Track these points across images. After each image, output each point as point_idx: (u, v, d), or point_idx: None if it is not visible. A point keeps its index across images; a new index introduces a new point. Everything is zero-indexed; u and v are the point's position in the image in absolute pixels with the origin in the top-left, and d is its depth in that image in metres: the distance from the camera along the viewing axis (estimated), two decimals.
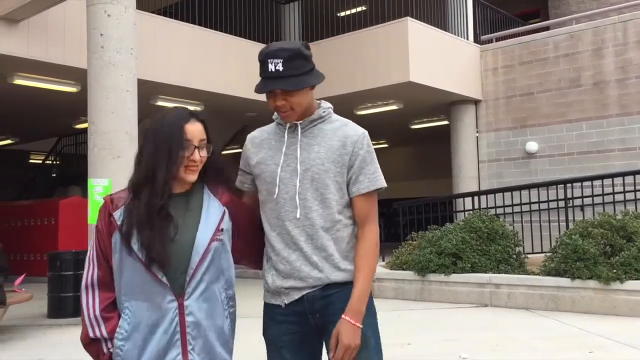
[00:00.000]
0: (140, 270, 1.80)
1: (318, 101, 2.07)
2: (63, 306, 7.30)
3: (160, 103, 10.73)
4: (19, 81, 9.08)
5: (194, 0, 10.97)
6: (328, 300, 1.96)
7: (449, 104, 11.86)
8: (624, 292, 6.35)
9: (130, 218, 1.81)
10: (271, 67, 1.90)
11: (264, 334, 2.05)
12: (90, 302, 1.84)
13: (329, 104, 2.09)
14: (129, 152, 6.32)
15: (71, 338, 5.87)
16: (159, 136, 1.85)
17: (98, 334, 1.83)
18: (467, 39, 11.89)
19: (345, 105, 11.27)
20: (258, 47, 11.21)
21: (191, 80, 10.03)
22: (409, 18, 10.20)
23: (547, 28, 12.24)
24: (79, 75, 8.47)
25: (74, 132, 15.11)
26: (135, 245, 1.79)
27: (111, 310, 1.85)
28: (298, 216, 1.95)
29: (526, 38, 11.39)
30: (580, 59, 10.61)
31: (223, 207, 1.93)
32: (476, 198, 10.07)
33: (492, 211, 9.17)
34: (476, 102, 11.82)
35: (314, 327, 1.99)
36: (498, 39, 12.02)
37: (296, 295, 1.97)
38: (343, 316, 1.89)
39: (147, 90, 9.59)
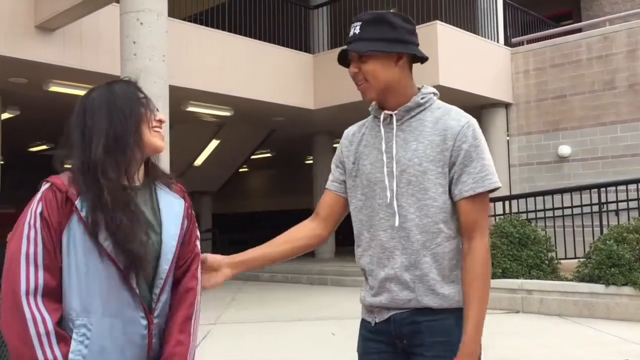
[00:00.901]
0: (108, 277, 1.39)
1: (420, 87, 1.77)
2: None
3: (190, 109, 10.87)
4: (54, 88, 9.29)
5: (224, 7, 11.10)
6: (417, 327, 1.68)
7: (479, 108, 11.74)
8: None
9: (96, 206, 1.39)
10: (350, 32, 1.70)
11: (357, 348, 1.86)
12: (37, 313, 1.33)
13: (431, 89, 1.77)
14: (162, 156, 6.39)
15: None
16: (112, 100, 1.51)
17: (51, 356, 1.33)
18: (498, 41, 11.77)
19: None
20: (286, 52, 11.30)
21: (221, 86, 10.13)
22: (437, 21, 10.14)
23: (579, 30, 12.04)
24: None
25: None
26: (105, 242, 1.38)
27: (63, 327, 1.38)
28: (396, 224, 1.67)
29: (558, 40, 11.21)
30: (614, 61, 10.40)
31: (182, 199, 1.60)
32: (507, 202, 9.93)
33: (524, 216, 9.03)
34: (507, 106, 11.68)
35: (401, 350, 1.73)
36: (529, 42, 11.87)
37: (385, 315, 1.73)
38: None
39: (178, 96, 9.72)
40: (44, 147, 16.41)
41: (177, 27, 9.31)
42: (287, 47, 11.44)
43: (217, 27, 10.52)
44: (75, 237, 1.39)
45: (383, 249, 1.71)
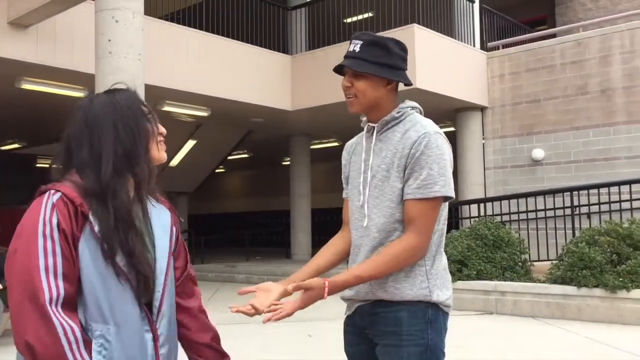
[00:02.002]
0: (122, 292, 1.42)
1: (403, 101, 1.94)
2: None
3: (167, 108, 10.78)
4: (27, 86, 9.13)
5: (201, 6, 11.03)
6: (375, 318, 1.86)
7: (455, 111, 11.85)
8: (630, 301, 6.31)
9: (109, 228, 1.41)
10: (350, 48, 1.87)
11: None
12: (64, 322, 1.34)
13: (410, 104, 1.94)
14: None
15: None
16: (118, 115, 1.49)
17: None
18: (474, 45, 11.89)
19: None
20: (264, 53, 11.27)
21: (198, 86, 10.07)
22: (415, 25, 10.21)
23: (554, 35, 12.22)
24: (86, 81, 8.51)
25: None
26: (118, 257, 1.41)
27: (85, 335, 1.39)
28: (364, 224, 1.87)
29: (533, 45, 11.37)
30: (587, 66, 10.58)
31: (168, 211, 1.62)
32: (482, 205, 10.04)
33: (498, 218, 9.14)
34: (482, 109, 11.81)
35: (370, 341, 1.89)
36: (505, 46, 12.01)
37: (353, 307, 1.92)
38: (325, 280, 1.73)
39: (155, 95, 9.63)
40: (16, 145, 16.12)
41: (153, 26, 9.22)
42: (265, 47, 11.41)
43: (195, 27, 10.45)
44: (89, 250, 1.40)
45: (354, 246, 1.92)
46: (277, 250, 16.38)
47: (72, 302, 1.38)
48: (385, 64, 1.85)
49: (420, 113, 1.95)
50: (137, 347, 1.44)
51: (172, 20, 10.34)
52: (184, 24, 10.30)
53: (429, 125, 1.85)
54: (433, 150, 1.78)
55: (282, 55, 11.67)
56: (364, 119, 1.97)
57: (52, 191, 1.41)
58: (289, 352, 5.61)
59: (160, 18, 10.16)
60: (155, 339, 1.49)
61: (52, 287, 1.34)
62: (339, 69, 1.93)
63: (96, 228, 1.40)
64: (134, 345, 1.44)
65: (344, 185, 2.06)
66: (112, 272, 1.40)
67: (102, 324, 1.40)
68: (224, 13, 11.15)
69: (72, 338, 1.33)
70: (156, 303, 1.50)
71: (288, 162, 15.77)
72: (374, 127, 1.91)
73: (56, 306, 1.34)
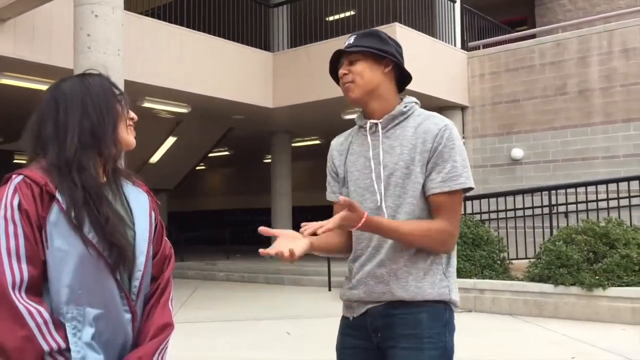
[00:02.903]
0: (96, 270, 1.37)
1: (402, 97, 1.90)
2: None
3: (147, 105, 10.68)
4: (4, 80, 8.99)
5: (182, 2, 10.94)
6: (390, 320, 1.77)
7: (436, 110, 11.69)
8: (606, 299, 6.41)
9: (77, 202, 1.36)
10: (346, 43, 1.86)
11: (335, 345, 1.93)
12: (30, 306, 1.29)
13: (413, 99, 1.90)
14: None
15: None
16: (87, 93, 1.48)
17: (55, 345, 1.31)
18: (455, 45, 11.97)
19: (332, 109, 11.28)
20: (246, 50, 11.22)
21: (178, 82, 9.99)
22: (397, 23, 10.24)
23: (533, 36, 12.35)
24: (65, 76, 8.40)
25: None
26: (90, 235, 1.36)
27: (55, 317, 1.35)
28: None
29: (513, 45, 11.48)
30: (565, 67, 10.71)
31: (145, 193, 1.61)
32: (462, 203, 10.11)
33: (478, 217, 9.22)
34: (463, 108, 11.89)
35: (375, 347, 1.81)
36: (485, 46, 12.11)
37: (362, 309, 1.82)
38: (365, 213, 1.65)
39: (134, 92, 9.53)
40: None
41: (133, 21, 9.13)
42: (247, 44, 11.36)
43: (176, 23, 10.37)
44: (58, 230, 1.35)
45: (372, 247, 1.80)
46: (257, 248, 16.24)
47: (37, 285, 1.33)
48: (379, 47, 1.82)
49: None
50: (117, 328, 1.41)
51: (152, 16, 10.24)
52: (164, 20, 10.21)
53: (444, 117, 1.85)
54: (455, 142, 1.78)
55: (263, 53, 11.63)
56: (358, 114, 1.91)
57: (14, 175, 1.39)
58: (267, 349, 5.60)
59: (141, 13, 10.06)
60: (133, 319, 1.45)
61: (14, 271, 1.29)
62: (334, 72, 1.90)
63: (63, 203, 1.35)
64: (113, 326, 1.40)
65: (331, 187, 1.95)
66: (85, 249, 1.35)
67: (74, 305, 1.35)
68: (205, 9, 11.08)
69: (40, 320, 1.29)
70: (136, 283, 1.46)
71: (269, 160, 15.73)
72: (376, 124, 1.83)
73: (19, 292, 1.29)
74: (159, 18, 10.22)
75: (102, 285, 1.39)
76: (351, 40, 1.85)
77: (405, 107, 1.84)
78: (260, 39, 11.98)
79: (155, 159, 15.33)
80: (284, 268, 11.37)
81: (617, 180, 8.93)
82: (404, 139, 1.79)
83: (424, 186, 1.76)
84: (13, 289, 1.28)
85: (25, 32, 8.11)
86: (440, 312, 1.77)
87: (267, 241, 15.61)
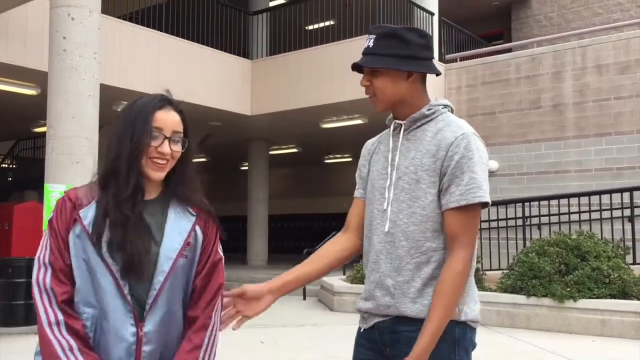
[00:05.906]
0: (105, 282, 1.50)
1: (431, 99, 1.80)
2: (14, 314, 7.09)
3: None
4: None
5: (161, 7, 10.88)
6: (396, 337, 1.68)
7: None
8: (576, 310, 6.49)
9: (100, 215, 1.51)
10: (365, 44, 1.74)
11: (353, 355, 1.87)
12: (44, 288, 1.52)
13: (442, 102, 1.78)
14: (88, 157, 6.21)
15: (24, 347, 5.68)
16: (125, 121, 1.58)
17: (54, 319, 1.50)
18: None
19: (311, 118, 11.29)
20: (224, 56, 11.19)
21: (155, 87, 9.79)
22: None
23: (509, 50, 12.53)
24: (39, 78, 8.28)
25: (33, 136, 14.75)
26: (104, 247, 1.49)
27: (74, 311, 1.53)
28: (386, 230, 1.70)
29: (489, 59, 11.63)
30: (540, 81, 10.88)
31: (194, 217, 1.63)
32: None
33: None
34: None
35: (388, 358, 1.73)
36: (462, 59, 12.25)
37: (371, 322, 1.75)
38: None
39: (110, 96, 9.44)
40: None
41: (110, 25, 9.05)
42: (226, 51, 11.34)
43: (154, 28, 10.30)
44: (78, 241, 1.51)
45: (375, 252, 1.74)
46: (233, 255, 16.23)
47: (63, 277, 1.52)
48: (401, 55, 1.69)
49: (452, 112, 1.81)
50: (115, 335, 1.50)
51: (130, 20, 10.16)
52: (143, 25, 10.14)
53: (465, 125, 1.71)
54: (474, 153, 1.65)
55: (242, 60, 11.62)
56: (391, 116, 1.84)
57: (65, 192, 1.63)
58: (241, 358, 5.56)
59: (119, 17, 9.98)
60: (138, 334, 1.51)
61: (40, 275, 1.53)
62: (358, 67, 1.79)
63: (86, 219, 1.52)
64: (112, 333, 1.50)
65: (358, 184, 1.90)
66: (99, 261, 1.50)
67: (89, 307, 1.51)
68: (184, 15, 11.03)
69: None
70: (149, 300, 1.53)
71: (246, 167, 15.68)
72: (400, 125, 1.76)
73: (44, 285, 1.52)
74: (137, 22, 10.14)
75: (105, 294, 1.50)
76: (370, 43, 1.73)
77: (429, 109, 1.75)
78: (239, 47, 11.96)
79: None
80: (259, 277, 11.31)
81: (589, 194, 9.08)
82: (420, 143, 1.71)
83: (438, 198, 1.67)
84: (37, 284, 1.53)
85: (0, 33, 7.98)
86: (448, 329, 1.63)
87: (240, 249, 15.49)
